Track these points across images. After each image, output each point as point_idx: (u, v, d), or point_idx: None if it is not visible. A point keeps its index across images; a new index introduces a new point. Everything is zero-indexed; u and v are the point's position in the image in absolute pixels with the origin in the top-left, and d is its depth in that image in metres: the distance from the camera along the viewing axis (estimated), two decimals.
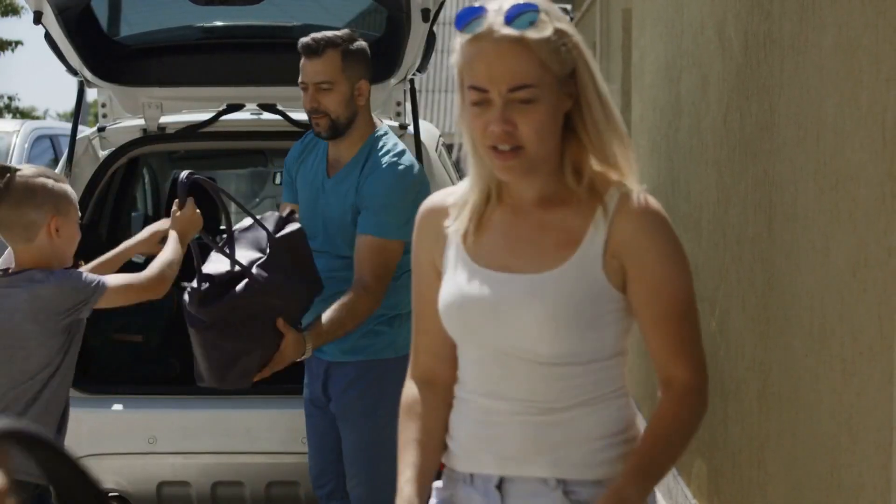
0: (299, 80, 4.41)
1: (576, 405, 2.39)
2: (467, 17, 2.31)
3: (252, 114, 6.01)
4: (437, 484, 2.53)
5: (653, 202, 2.41)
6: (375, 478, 4.47)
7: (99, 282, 3.57)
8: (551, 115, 2.32)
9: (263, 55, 5.66)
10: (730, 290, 4.69)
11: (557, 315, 2.32)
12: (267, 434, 5.15)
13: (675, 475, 5.88)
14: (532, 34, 2.28)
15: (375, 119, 4.55)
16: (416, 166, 4.44)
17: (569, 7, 13.83)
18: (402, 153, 4.43)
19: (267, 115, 5.89)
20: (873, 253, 2.97)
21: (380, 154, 4.42)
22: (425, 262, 2.54)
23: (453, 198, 2.51)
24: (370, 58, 4.48)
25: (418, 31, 5.28)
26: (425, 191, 4.24)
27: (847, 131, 3.18)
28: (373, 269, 4.28)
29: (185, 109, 6.13)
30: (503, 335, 2.37)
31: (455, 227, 2.46)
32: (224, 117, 5.87)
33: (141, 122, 5.88)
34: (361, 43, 4.45)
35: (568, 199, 2.41)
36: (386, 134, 4.50)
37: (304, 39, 4.39)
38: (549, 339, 2.33)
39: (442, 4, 5.33)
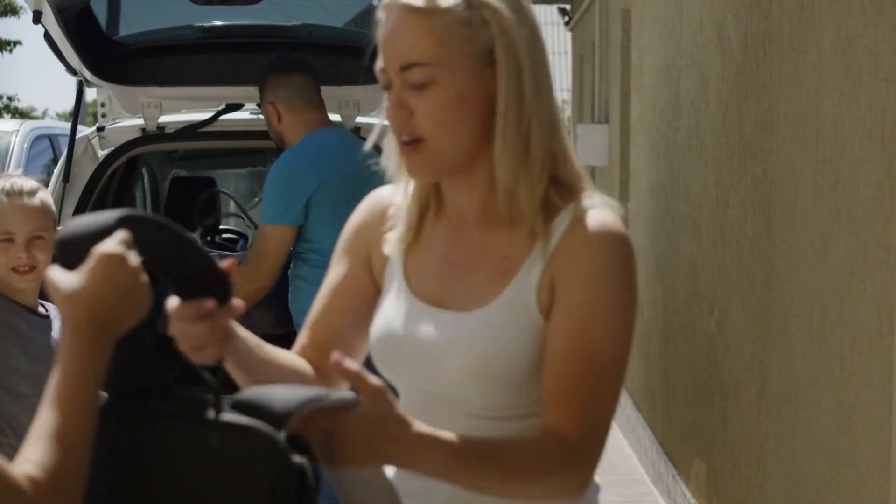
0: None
1: None
2: None
3: (251, 113, 6.01)
4: None
5: (613, 228, 1.95)
6: None
7: None
8: (455, 100, 1.92)
9: (263, 55, 5.66)
10: (729, 290, 4.69)
11: (483, 362, 1.93)
12: None
13: (674, 475, 5.88)
14: (431, 3, 1.92)
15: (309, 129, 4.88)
16: (300, 154, 4.74)
17: (567, 7, 13.82)
18: (298, 145, 4.78)
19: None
20: (872, 252, 2.97)
21: None
22: (361, 258, 2.16)
23: (400, 196, 2.13)
24: (286, 84, 4.88)
25: None
26: (304, 177, 4.66)
27: (846, 131, 3.18)
28: (250, 252, 4.70)
29: (184, 109, 6.13)
30: (428, 381, 2.00)
31: (392, 237, 2.10)
32: (223, 117, 5.87)
33: (140, 121, 5.88)
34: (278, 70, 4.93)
35: (515, 218, 1.99)
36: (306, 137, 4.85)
37: None
38: (477, 389, 1.95)
39: None
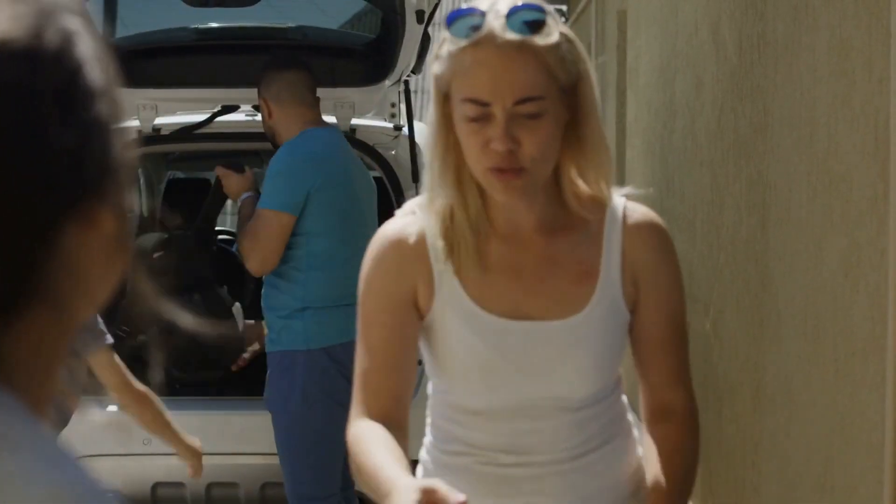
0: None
1: (600, 445, 2.22)
2: (461, 19, 2.00)
3: (247, 115, 6.01)
4: None
5: (654, 216, 2.27)
6: (295, 470, 4.65)
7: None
8: (556, 130, 2.07)
9: (258, 56, 5.67)
10: (724, 291, 4.70)
11: (598, 361, 2.15)
12: (261, 435, 5.16)
13: None
14: (539, 39, 2.01)
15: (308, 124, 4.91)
16: (302, 148, 4.78)
17: (564, 8, 13.83)
18: (299, 139, 4.83)
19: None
20: (866, 254, 2.97)
21: None
22: (399, 299, 2.15)
23: (414, 227, 2.16)
24: (278, 80, 4.93)
25: (413, 32, 5.30)
26: (307, 170, 4.71)
27: (840, 133, 3.19)
28: (247, 232, 4.80)
29: (180, 111, 6.13)
30: (537, 388, 2.14)
31: (449, 265, 2.12)
32: (219, 119, 5.87)
33: (136, 123, 5.88)
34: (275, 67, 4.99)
35: (569, 224, 2.16)
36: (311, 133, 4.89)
37: None
38: (588, 386, 2.16)
39: (437, 6, 5.36)
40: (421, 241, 2.16)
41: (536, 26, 2.03)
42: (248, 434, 5.14)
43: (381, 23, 5.62)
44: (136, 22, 5.91)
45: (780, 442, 3.82)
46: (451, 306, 2.13)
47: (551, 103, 2.05)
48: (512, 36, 2.00)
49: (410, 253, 2.16)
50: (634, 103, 7.62)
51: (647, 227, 2.21)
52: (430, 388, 2.39)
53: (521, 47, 2.00)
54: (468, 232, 2.11)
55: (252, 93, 5.70)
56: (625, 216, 2.20)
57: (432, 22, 5.44)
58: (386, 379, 2.17)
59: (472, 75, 2.02)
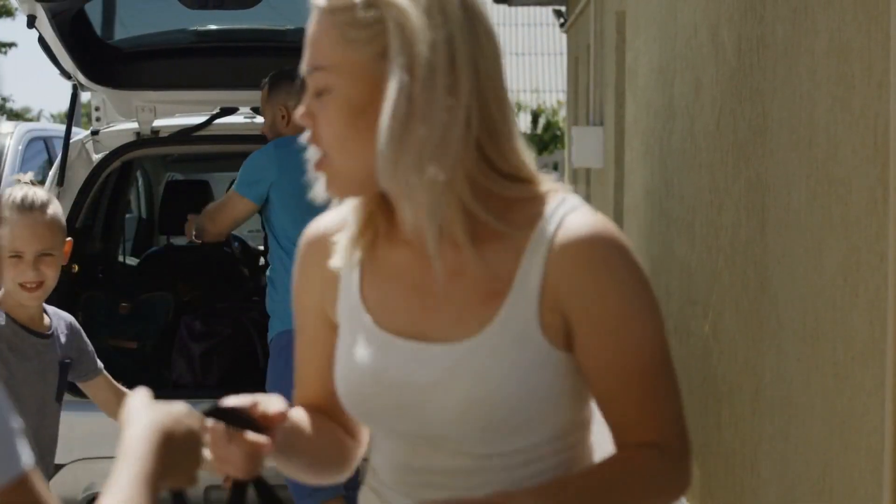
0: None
1: None
2: None
3: (246, 117, 6.02)
4: None
5: (597, 229, 1.72)
6: None
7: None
8: (351, 113, 1.69)
9: (257, 58, 5.67)
10: (723, 293, 4.70)
11: (478, 399, 1.69)
12: None
13: None
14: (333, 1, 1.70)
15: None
16: (280, 145, 4.98)
17: (563, 9, 13.83)
18: (285, 139, 5.00)
19: (261, 119, 5.89)
20: (865, 258, 2.97)
21: None
22: (312, 309, 1.90)
23: (336, 222, 1.87)
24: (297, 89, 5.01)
25: None
26: (269, 163, 4.96)
27: (839, 135, 3.18)
28: (213, 204, 5.25)
29: (178, 113, 6.14)
30: (415, 424, 1.76)
31: (343, 266, 1.83)
32: (218, 121, 5.88)
33: (134, 125, 5.88)
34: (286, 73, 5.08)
35: (490, 233, 1.73)
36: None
37: None
38: (474, 430, 1.72)
39: None
40: (336, 236, 1.86)
41: None
42: None
43: None
44: (134, 24, 5.92)
45: (779, 445, 3.82)
46: (347, 315, 1.84)
47: (340, 79, 1.68)
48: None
49: (323, 253, 1.86)
50: (633, 105, 7.62)
51: (578, 245, 1.69)
52: None
53: (319, 10, 1.71)
54: (355, 224, 1.81)
55: (250, 95, 5.71)
56: (558, 227, 1.71)
57: None
58: (304, 392, 1.96)
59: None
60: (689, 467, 1.77)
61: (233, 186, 5.13)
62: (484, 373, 1.70)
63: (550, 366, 1.71)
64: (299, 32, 5.77)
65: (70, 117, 5.77)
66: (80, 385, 3.58)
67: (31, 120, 30.99)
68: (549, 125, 27.79)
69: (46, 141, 10.58)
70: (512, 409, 1.70)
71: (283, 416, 1.74)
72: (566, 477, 1.74)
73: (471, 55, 1.70)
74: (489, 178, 1.72)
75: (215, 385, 5.57)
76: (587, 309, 1.69)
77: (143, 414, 1.58)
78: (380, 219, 1.80)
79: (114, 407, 3.53)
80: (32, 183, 3.39)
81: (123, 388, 3.59)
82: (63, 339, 3.44)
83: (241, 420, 1.73)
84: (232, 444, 1.73)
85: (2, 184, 8.17)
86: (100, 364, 3.56)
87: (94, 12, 5.60)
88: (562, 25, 13.96)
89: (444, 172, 1.67)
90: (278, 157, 4.93)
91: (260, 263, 7.31)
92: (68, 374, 3.47)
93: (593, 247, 1.69)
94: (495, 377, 1.69)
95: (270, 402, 1.76)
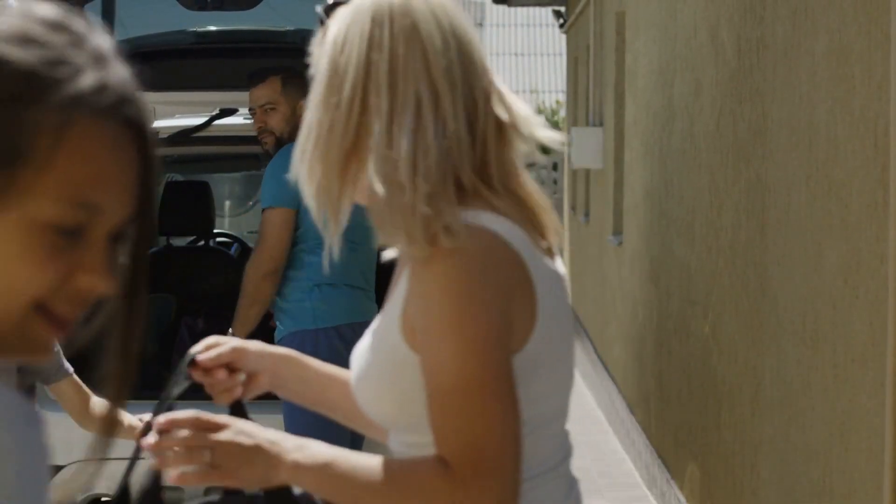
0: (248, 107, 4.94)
1: None
2: None
3: (245, 118, 6.01)
4: None
5: (443, 248, 1.74)
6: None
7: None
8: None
9: (257, 60, 5.67)
10: (723, 295, 4.70)
11: (369, 381, 1.87)
12: None
13: (668, 479, 5.89)
14: None
15: None
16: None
17: (562, 9, 13.82)
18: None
19: None
20: (865, 259, 2.97)
21: None
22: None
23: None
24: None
25: None
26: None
27: (839, 137, 3.19)
28: (257, 241, 4.81)
29: (178, 114, 6.14)
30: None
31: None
32: (217, 121, 5.88)
33: None
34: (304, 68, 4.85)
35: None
36: None
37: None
38: (375, 402, 1.87)
39: None
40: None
41: None
42: None
43: None
44: (134, 25, 5.92)
45: (779, 445, 3.82)
46: None
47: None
48: None
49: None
50: (633, 106, 7.62)
51: (421, 260, 1.75)
52: None
53: None
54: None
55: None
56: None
57: None
58: None
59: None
60: (480, 494, 1.72)
61: (263, 210, 4.85)
62: (368, 360, 1.86)
63: (409, 367, 1.80)
64: (299, 33, 5.78)
65: None
66: (47, 388, 3.49)
67: None
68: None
69: None
70: (389, 397, 1.85)
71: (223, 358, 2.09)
72: (346, 453, 1.81)
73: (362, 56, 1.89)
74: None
75: None
76: (414, 320, 1.79)
77: None
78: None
79: (81, 411, 3.42)
80: None
81: (92, 395, 3.49)
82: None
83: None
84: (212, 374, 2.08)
85: None
86: (67, 366, 3.45)
87: (93, 13, 5.59)
88: (561, 26, 13.96)
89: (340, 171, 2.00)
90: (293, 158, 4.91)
91: None
92: (32, 378, 3.41)
93: (429, 261, 1.74)
94: (369, 365, 1.86)
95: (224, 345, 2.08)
